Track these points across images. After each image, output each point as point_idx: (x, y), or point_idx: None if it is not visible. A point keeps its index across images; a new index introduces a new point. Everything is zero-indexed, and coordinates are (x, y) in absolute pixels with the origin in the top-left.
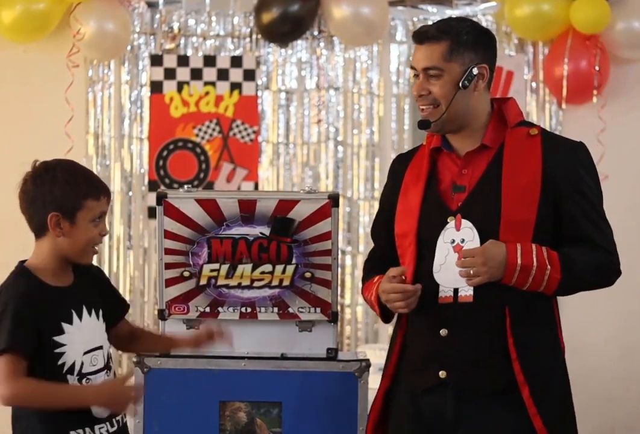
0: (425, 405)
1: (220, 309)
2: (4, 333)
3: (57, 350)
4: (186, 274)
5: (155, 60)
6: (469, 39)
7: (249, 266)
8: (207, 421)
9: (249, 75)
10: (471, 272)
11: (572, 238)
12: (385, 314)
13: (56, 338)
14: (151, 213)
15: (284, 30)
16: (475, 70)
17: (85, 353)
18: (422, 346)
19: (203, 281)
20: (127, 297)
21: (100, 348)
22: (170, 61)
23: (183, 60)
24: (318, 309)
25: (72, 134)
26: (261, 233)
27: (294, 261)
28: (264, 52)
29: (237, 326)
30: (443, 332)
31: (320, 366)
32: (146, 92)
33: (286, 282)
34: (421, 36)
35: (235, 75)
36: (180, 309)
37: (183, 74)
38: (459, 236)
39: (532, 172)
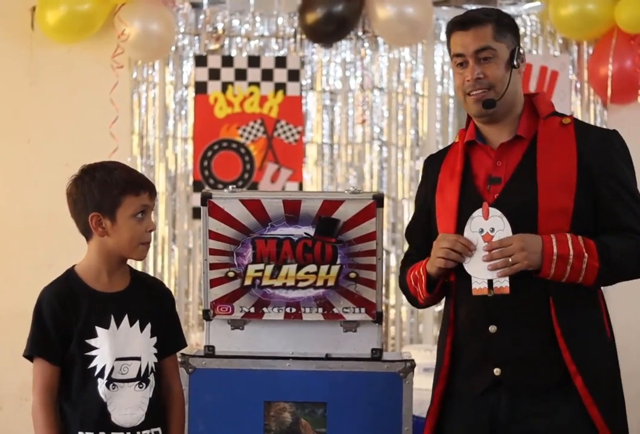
0: (479, 406)
1: (264, 309)
2: (29, 339)
3: (89, 353)
4: (231, 274)
5: (200, 60)
6: (507, 22)
7: (293, 267)
8: (252, 422)
9: (293, 75)
10: (509, 259)
11: (609, 226)
12: (429, 287)
13: (89, 341)
14: (196, 213)
15: (328, 31)
16: (521, 50)
17: (117, 359)
18: (474, 345)
19: (248, 282)
20: None
21: (138, 359)
22: (214, 62)
23: (227, 61)
24: (363, 310)
25: (117, 134)
26: (306, 233)
27: (338, 261)
28: (308, 53)
29: (282, 326)
30: (492, 329)
31: (364, 367)
32: (190, 92)
33: (331, 283)
34: (466, 21)
35: (280, 75)
36: (225, 309)
37: (227, 74)
38: (487, 225)
39: (567, 160)
